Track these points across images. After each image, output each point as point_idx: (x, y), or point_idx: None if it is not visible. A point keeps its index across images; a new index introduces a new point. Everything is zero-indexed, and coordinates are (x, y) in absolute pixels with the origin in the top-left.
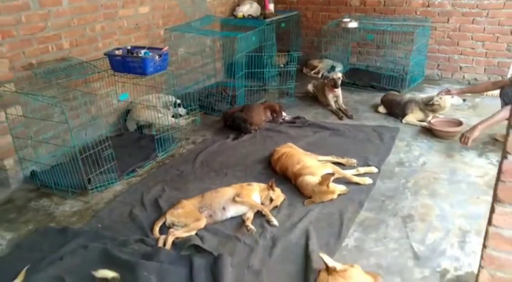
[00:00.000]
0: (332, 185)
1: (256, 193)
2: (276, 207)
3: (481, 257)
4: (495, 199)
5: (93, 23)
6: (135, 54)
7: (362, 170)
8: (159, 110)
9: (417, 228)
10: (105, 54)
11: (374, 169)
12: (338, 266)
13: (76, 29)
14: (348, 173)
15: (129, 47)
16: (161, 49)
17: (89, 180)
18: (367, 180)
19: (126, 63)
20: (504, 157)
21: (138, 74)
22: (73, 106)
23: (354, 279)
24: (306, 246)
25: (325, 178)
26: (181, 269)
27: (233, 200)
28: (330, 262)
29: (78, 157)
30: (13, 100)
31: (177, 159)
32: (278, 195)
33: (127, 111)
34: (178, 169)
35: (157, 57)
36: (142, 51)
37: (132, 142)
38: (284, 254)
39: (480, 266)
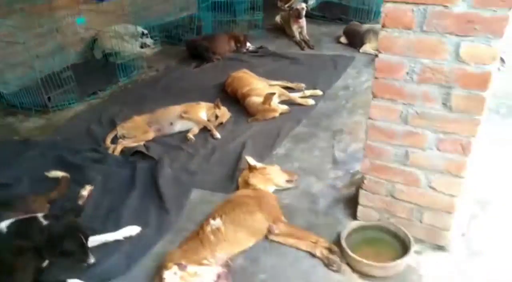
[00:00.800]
0: (274, 104)
1: (203, 111)
2: (221, 123)
3: (364, 148)
4: (372, 94)
5: None
6: None
7: (308, 92)
8: (125, 39)
9: (344, 140)
10: None
11: (319, 92)
12: (258, 165)
13: None
14: (294, 95)
15: None
16: None
17: (49, 98)
18: (310, 101)
19: None
20: (376, 55)
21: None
22: (38, 34)
23: (270, 175)
24: (240, 154)
25: (267, 97)
26: (125, 171)
27: (180, 116)
28: (252, 162)
29: (38, 78)
30: None
31: (139, 84)
32: (224, 113)
33: (94, 40)
34: (139, 93)
35: None
36: None
37: (97, 68)
38: (219, 160)
39: (364, 156)
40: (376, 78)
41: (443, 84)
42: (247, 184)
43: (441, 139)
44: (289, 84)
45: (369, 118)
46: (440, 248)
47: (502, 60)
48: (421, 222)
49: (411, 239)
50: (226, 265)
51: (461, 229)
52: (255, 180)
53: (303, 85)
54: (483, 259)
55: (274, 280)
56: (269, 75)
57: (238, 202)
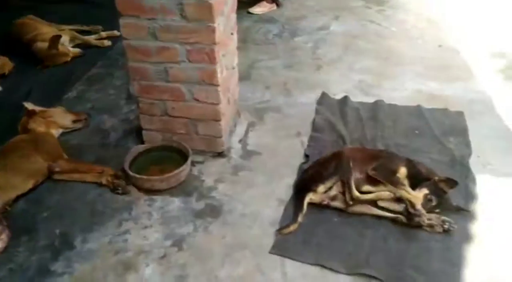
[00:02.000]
0: (64, 48)
1: None
2: (4, 75)
3: (130, 72)
4: (119, 13)
5: None
6: None
7: (105, 33)
8: None
9: None
10: None
11: (116, 33)
12: (38, 108)
13: None
14: (88, 37)
15: None
16: None
17: None
18: (106, 42)
19: None
20: None
21: None
22: None
23: (54, 117)
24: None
25: (52, 41)
26: None
27: None
28: (30, 107)
29: None
30: None
31: None
32: (4, 63)
33: None
34: None
35: None
36: None
37: None
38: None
39: (132, 79)
40: None
41: None
42: (26, 130)
43: (189, 51)
44: (84, 28)
45: (123, 38)
46: (220, 154)
47: None
48: (197, 134)
49: (190, 151)
50: (3, 211)
51: (239, 136)
52: (35, 124)
53: (99, 27)
54: (255, 157)
55: (57, 216)
56: (67, 21)
57: (11, 148)
